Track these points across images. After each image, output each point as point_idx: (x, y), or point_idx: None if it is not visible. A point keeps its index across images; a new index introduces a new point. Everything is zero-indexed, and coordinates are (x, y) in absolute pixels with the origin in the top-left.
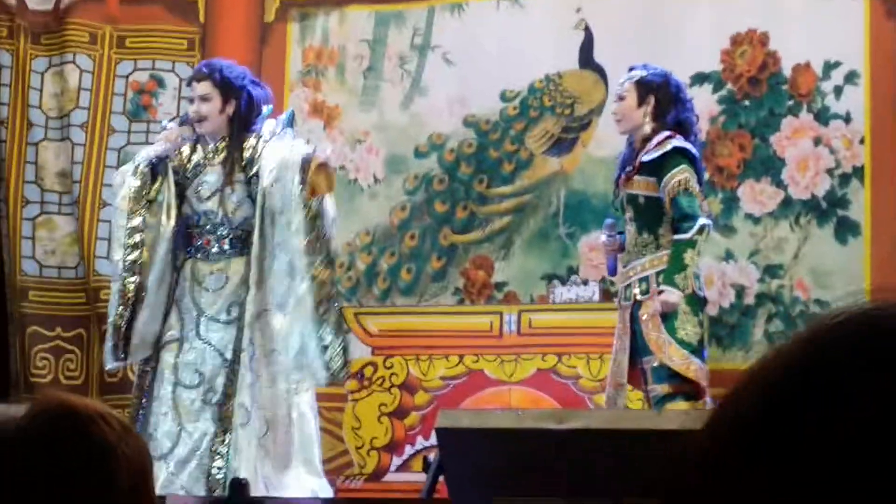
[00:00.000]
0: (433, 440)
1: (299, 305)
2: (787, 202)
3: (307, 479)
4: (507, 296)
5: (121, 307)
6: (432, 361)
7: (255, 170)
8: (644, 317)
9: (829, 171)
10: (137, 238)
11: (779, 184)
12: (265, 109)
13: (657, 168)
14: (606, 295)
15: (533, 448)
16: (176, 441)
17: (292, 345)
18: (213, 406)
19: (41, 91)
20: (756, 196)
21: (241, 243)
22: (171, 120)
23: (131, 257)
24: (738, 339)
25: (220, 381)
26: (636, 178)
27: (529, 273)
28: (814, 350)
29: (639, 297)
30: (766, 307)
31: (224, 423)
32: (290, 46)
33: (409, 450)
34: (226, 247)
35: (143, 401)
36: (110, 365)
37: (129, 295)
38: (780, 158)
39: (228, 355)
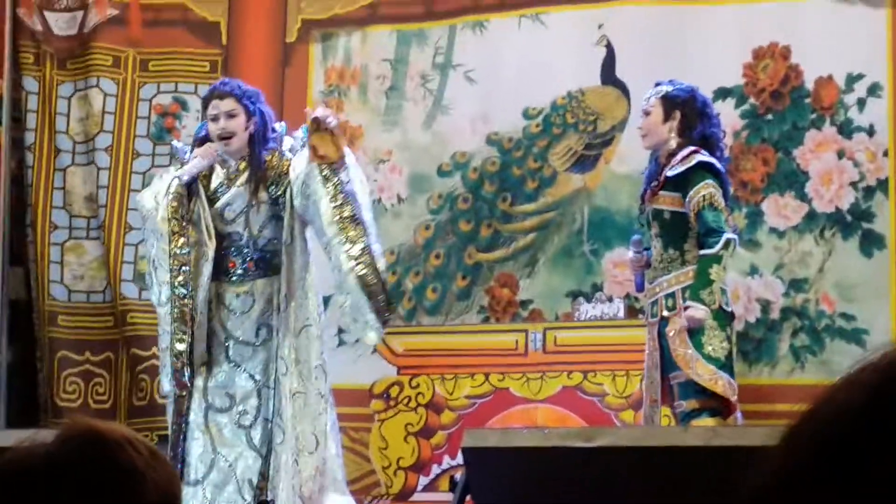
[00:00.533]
0: (460, 459)
1: (343, 285)
2: (811, 216)
3: (336, 499)
4: (532, 313)
5: (181, 331)
6: (458, 380)
7: (281, 189)
8: (671, 333)
9: (853, 184)
10: (184, 260)
11: (803, 197)
12: (278, 128)
13: (682, 183)
14: (631, 311)
15: (560, 466)
16: (210, 466)
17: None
18: (247, 429)
19: (68, 116)
20: (780, 210)
21: (265, 265)
22: (179, 143)
23: (180, 279)
24: (764, 353)
25: (252, 403)
26: (661, 193)
27: (554, 290)
28: (891, 377)
29: (665, 314)
30: (792, 321)
31: (262, 446)
32: (312, 67)
33: (435, 469)
34: (251, 268)
35: (183, 425)
36: (170, 389)
37: (187, 318)
38: (804, 172)
39: (259, 377)
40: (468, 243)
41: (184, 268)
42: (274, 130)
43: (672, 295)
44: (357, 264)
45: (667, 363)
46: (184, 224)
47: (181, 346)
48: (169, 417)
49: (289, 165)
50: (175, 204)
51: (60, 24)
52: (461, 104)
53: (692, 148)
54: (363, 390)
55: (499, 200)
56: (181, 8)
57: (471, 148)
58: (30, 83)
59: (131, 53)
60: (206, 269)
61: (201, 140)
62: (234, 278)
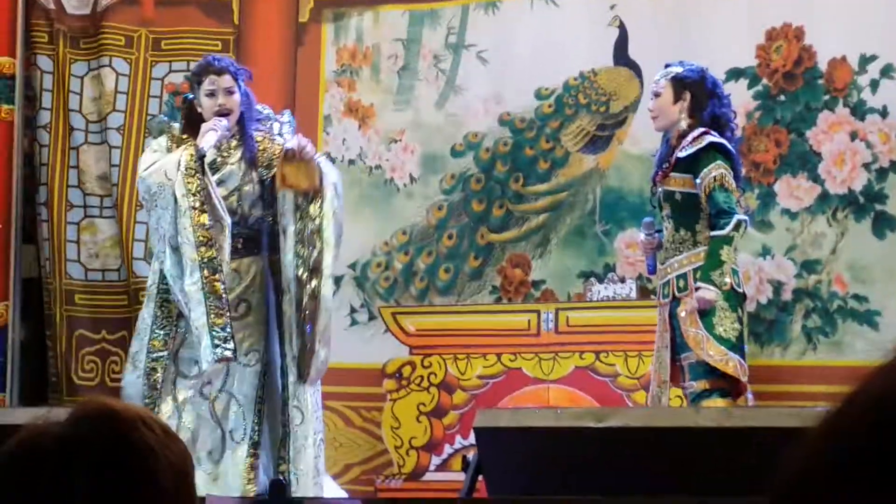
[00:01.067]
0: (472, 439)
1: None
2: (823, 197)
3: (328, 481)
4: (545, 294)
5: (217, 306)
6: (470, 360)
7: (272, 173)
8: (682, 314)
9: (866, 166)
10: (210, 235)
11: (815, 179)
12: (263, 109)
13: (693, 164)
14: (644, 292)
15: (572, 446)
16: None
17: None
18: (210, 401)
19: (81, 95)
20: (792, 191)
21: (252, 243)
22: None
23: (210, 254)
24: (775, 335)
25: (218, 376)
26: (672, 174)
27: (566, 271)
28: None
29: (677, 294)
30: (804, 303)
31: (223, 419)
32: (324, 46)
33: (448, 449)
34: (239, 246)
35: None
36: (218, 362)
37: (220, 292)
38: (817, 153)
39: (229, 353)
40: (480, 223)
41: (211, 242)
42: (259, 111)
43: (683, 276)
44: (301, 314)
45: (678, 344)
46: (203, 199)
47: (222, 321)
48: (136, 394)
49: (281, 149)
50: (196, 179)
51: (73, 2)
52: (474, 84)
53: (703, 129)
54: (375, 370)
55: (511, 181)
56: None
57: (483, 128)
58: (44, 62)
59: (143, 33)
60: (227, 244)
61: (187, 113)
62: (231, 255)
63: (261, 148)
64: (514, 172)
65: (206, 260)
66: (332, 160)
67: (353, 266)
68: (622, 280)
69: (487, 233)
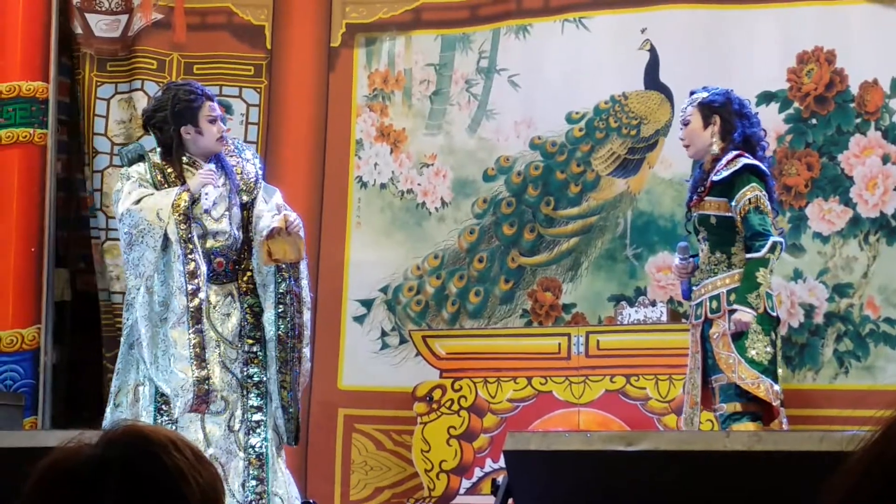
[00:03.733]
0: (502, 463)
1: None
2: (855, 220)
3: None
4: (575, 317)
5: (201, 358)
6: (500, 384)
7: (251, 198)
8: (715, 335)
9: None
10: (199, 283)
11: (847, 202)
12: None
13: (728, 187)
14: (674, 316)
15: (602, 470)
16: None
17: None
18: (236, 433)
19: (107, 118)
20: (824, 215)
21: (236, 265)
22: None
23: (194, 304)
24: (807, 358)
25: (238, 406)
26: (707, 198)
27: (597, 294)
28: None
29: (709, 316)
30: (836, 326)
31: (247, 447)
32: (356, 71)
33: (478, 472)
34: (231, 269)
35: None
36: (183, 411)
37: (203, 344)
38: (849, 177)
39: (239, 378)
40: (511, 247)
41: (196, 294)
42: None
43: (717, 297)
44: (286, 376)
45: (709, 366)
46: (193, 246)
47: (203, 373)
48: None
49: (255, 172)
50: (184, 224)
51: (101, 26)
52: (505, 108)
53: (736, 152)
54: (406, 393)
55: (542, 204)
56: (226, 12)
57: (514, 152)
58: (74, 86)
59: (176, 57)
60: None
61: (166, 140)
62: (221, 279)
63: (237, 170)
64: (545, 196)
65: (192, 309)
66: (365, 184)
67: (384, 290)
68: (653, 303)
69: (518, 256)
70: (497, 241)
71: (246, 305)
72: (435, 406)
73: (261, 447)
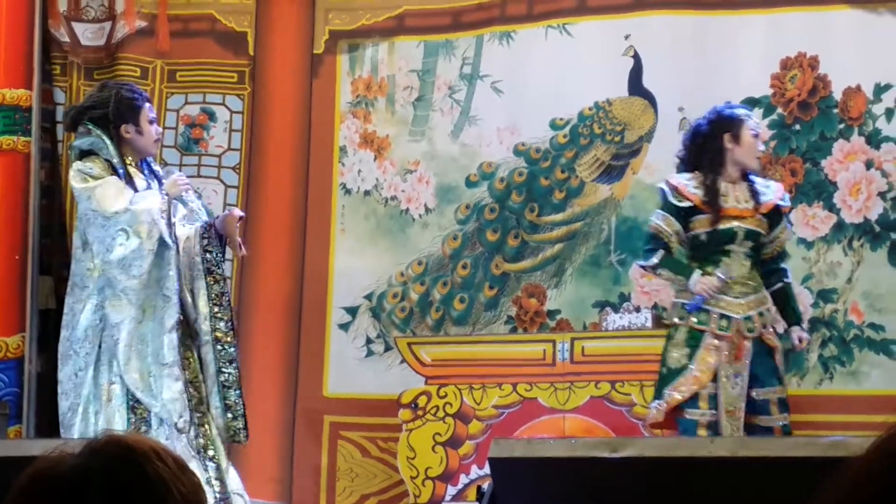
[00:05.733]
0: (488, 469)
1: None
2: (839, 226)
3: None
4: (560, 323)
5: (179, 364)
6: (486, 390)
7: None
8: (777, 351)
9: (882, 195)
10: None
11: (831, 208)
12: None
13: (777, 217)
14: (659, 322)
15: (586, 476)
16: None
17: None
18: (188, 436)
19: None
20: (808, 220)
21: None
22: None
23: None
24: (792, 364)
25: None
26: (759, 216)
27: (581, 300)
28: None
29: (762, 330)
30: (820, 332)
31: (202, 452)
32: (339, 78)
33: (463, 479)
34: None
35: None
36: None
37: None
38: (832, 182)
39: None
40: (495, 253)
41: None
42: None
43: (762, 314)
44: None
45: (761, 377)
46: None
47: (179, 385)
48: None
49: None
50: (171, 229)
51: (88, 34)
52: (488, 115)
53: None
54: (391, 400)
55: (526, 211)
56: (209, 19)
57: (498, 158)
58: (57, 94)
59: (159, 64)
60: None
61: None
62: None
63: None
64: (529, 202)
65: (178, 319)
66: (349, 191)
67: (368, 297)
68: (637, 309)
69: (502, 263)
70: (481, 247)
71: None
72: (420, 413)
73: (212, 449)
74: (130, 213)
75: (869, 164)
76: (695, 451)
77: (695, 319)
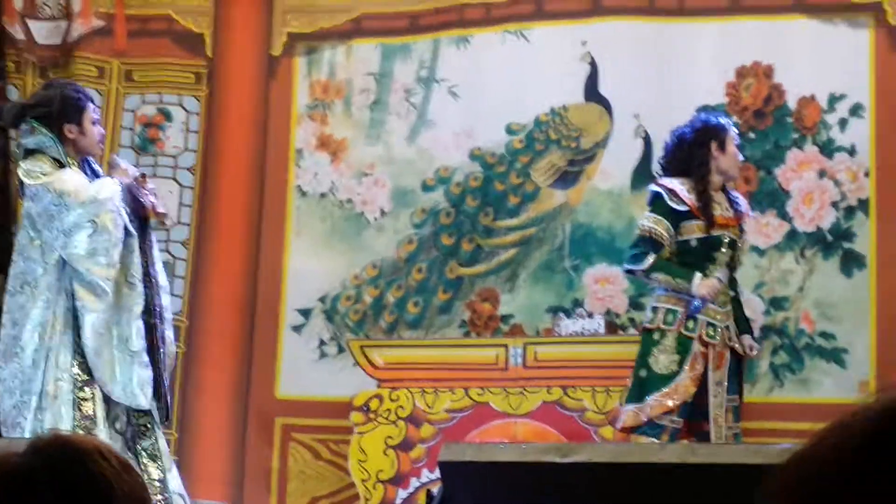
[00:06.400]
0: (439, 473)
1: None
2: (792, 235)
3: None
4: (513, 328)
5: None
6: (438, 394)
7: None
8: (744, 361)
9: (835, 204)
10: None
11: (784, 216)
12: None
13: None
14: (611, 328)
15: (537, 481)
16: None
17: None
18: (123, 436)
19: None
20: (761, 228)
21: None
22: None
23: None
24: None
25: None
26: (737, 226)
27: (535, 306)
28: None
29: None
30: (772, 340)
31: (141, 453)
32: (296, 80)
33: (414, 482)
34: None
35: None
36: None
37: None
38: (786, 191)
39: None
40: (450, 257)
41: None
42: None
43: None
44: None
45: (733, 385)
46: None
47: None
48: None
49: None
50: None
51: (43, 32)
52: (445, 119)
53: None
54: (343, 402)
55: (481, 215)
56: (166, 19)
57: (454, 163)
58: (11, 92)
59: (116, 64)
60: None
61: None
62: None
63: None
64: (485, 207)
65: (146, 302)
66: (304, 193)
67: (322, 299)
68: (590, 315)
69: (457, 267)
70: (436, 251)
71: None
72: (372, 416)
73: (153, 449)
74: (97, 203)
75: (822, 174)
76: (645, 458)
77: (687, 325)
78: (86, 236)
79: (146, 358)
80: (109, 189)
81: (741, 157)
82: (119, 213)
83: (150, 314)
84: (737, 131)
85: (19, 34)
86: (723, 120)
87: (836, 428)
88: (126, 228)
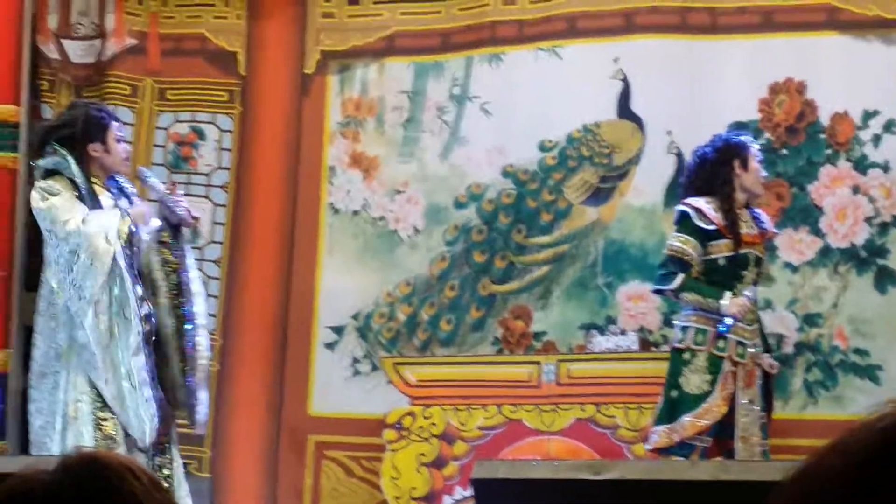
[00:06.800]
0: (472, 491)
1: None
2: (825, 251)
3: None
4: (546, 345)
5: (156, 380)
6: (471, 411)
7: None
8: (773, 378)
9: (868, 220)
10: (148, 309)
11: (817, 233)
12: None
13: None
14: (645, 344)
15: (569, 498)
16: None
17: None
18: (147, 455)
19: None
20: (794, 245)
21: None
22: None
23: (147, 329)
24: (777, 388)
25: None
26: (762, 244)
27: (568, 323)
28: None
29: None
30: (806, 356)
31: (157, 470)
32: (329, 98)
33: (447, 500)
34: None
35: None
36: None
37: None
38: (819, 207)
39: None
40: (483, 275)
41: (152, 318)
42: None
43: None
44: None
45: (763, 402)
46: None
47: (160, 394)
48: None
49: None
50: (132, 251)
51: (78, 52)
52: (477, 136)
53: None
54: (376, 420)
55: (514, 232)
56: (200, 38)
57: (487, 180)
58: (45, 110)
59: (149, 83)
60: None
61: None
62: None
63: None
64: (517, 224)
65: (146, 335)
66: (337, 211)
67: (355, 317)
68: (623, 332)
69: (490, 284)
70: (468, 268)
71: None
72: (405, 433)
73: (168, 467)
74: (82, 235)
75: (855, 190)
76: (677, 475)
77: (718, 345)
78: (66, 264)
79: (149, 392)
80: (100, 222)
81: (764, 174)
82: (108, 246)
83: (181, 319)
84: (762, 147)
85: (53, 53)
86: (744, 137)
87: (840, 443)
88: (121, 262)
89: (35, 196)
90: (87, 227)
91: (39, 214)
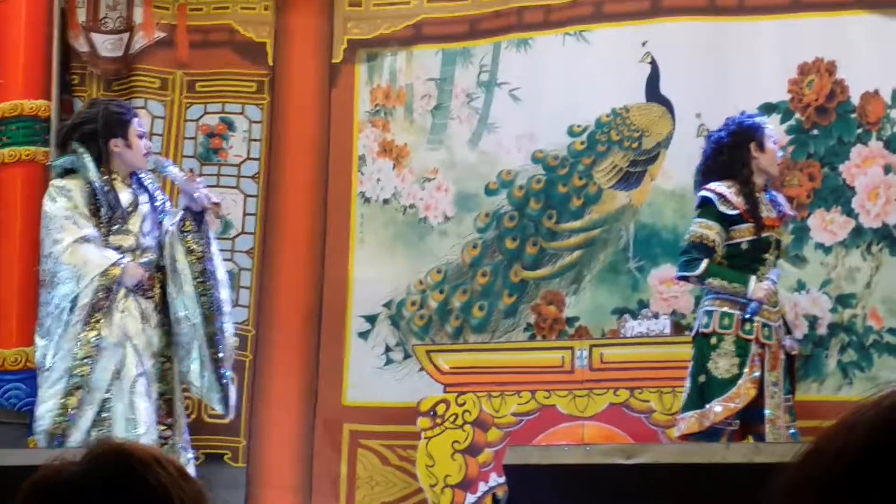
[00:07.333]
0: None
1: None
2: (857, 231)
3: None
4: (579, 330)
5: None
6: (504, 398)
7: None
8: (796, 360)
9: None
10: (91, 355)
11: (849, 213)
12: None
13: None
14: (678, 328)
15: (602, 483)
16: None
17: None
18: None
19: None
20: (826, 225)
21: (150, 280)
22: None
23: (81, 372)
24: (811, 370)
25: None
26: (781, 226)
27: (600, 307)
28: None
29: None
30: (839, 337)
31: None
32: (358, 87)
33: (482, 487)
34: (150, 283)
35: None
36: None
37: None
38: (850, 187)
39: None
40: (514, 261)
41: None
42: None
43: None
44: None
45: (787, 384)
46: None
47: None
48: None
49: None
50: (106, 296)
51: (107, 45)
52: (506, 122)
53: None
54: (410, 408)
55: (544, 218)
56: (228, 29)
57: (516, 166)
58: (76, 104)
59: (178, 75)
60: None
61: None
62: (148, 293)
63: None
64: (548, 210)
65: (78, 377)
66: (367, 200)
67: (387, 305)
68: (656, 316)
69: (521, 270)
70: (500, 255)
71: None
72: (439, 421)
73: None
74: (59, 264)
75: (887, 169)
76: (710, 458)
77: (744, 328)
78: (50, 281)
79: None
80: (87, 260)
81: (780, 154)
82: (73, 289)
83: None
84: (792, 128)
85: (83, 47)
86: (757, 119)
87: (843, 425)
88: (85, 300)
89: (47, 193)
90: (72, 260)
91: (43, 214)
